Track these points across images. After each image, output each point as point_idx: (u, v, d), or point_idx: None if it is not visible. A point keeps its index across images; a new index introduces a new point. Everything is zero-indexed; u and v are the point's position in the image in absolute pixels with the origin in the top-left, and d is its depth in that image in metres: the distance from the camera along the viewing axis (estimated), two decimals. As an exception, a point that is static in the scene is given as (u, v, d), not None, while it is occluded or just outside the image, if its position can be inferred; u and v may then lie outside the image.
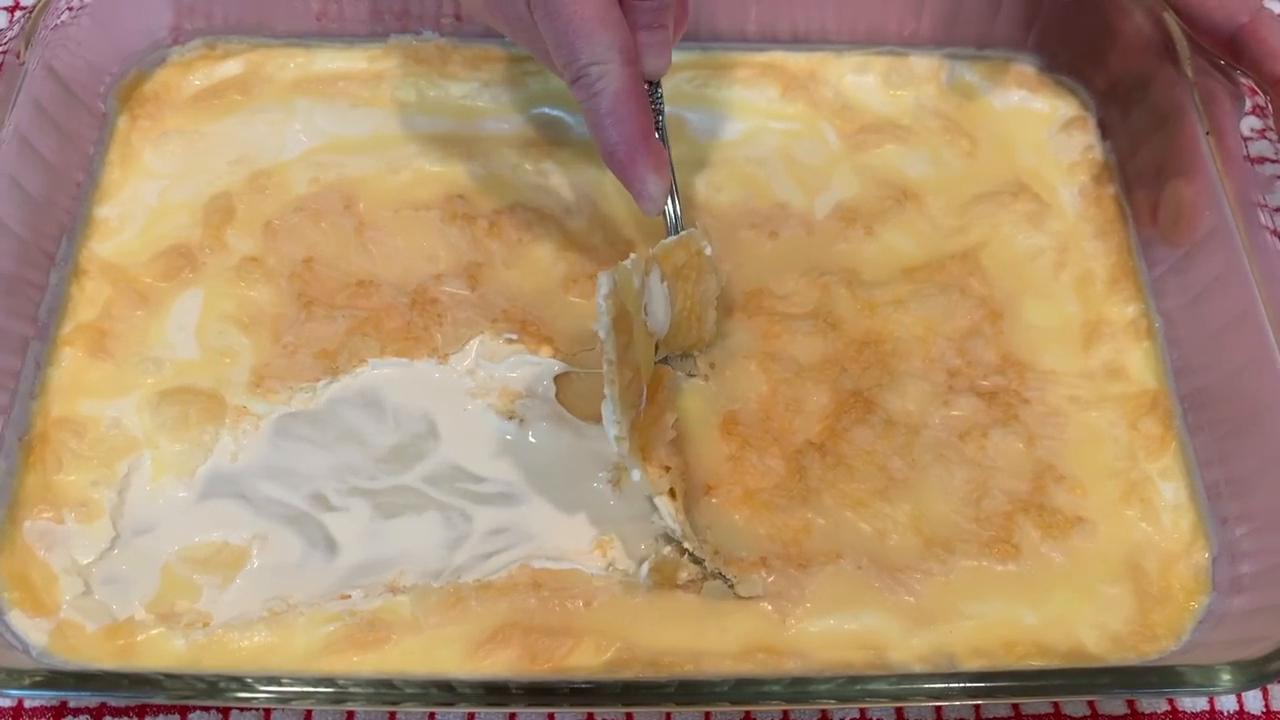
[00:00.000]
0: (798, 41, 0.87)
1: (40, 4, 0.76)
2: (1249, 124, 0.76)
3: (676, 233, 0.72)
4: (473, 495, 0.69)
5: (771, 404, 0.72)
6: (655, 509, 0.68)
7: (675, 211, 0.73)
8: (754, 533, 0.68)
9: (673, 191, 0.72)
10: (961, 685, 0.59)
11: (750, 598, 0.65)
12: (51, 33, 0.76)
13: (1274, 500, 0.65)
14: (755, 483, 0.69)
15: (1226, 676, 0.58)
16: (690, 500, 0.68)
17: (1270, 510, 0.66)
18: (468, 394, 0.73)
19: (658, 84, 0.73)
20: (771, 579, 0.66)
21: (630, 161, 0.67)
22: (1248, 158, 0.74)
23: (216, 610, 0.65)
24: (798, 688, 0.59)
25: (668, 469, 0.67)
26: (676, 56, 0.84)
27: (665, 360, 0.73)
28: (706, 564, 0.66)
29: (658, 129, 0.72)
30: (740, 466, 0.70)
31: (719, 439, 0.71)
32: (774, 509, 0.68)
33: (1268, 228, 0.71)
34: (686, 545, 0.67)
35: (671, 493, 0.67)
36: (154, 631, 0.64)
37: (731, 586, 0.66)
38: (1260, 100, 0.75)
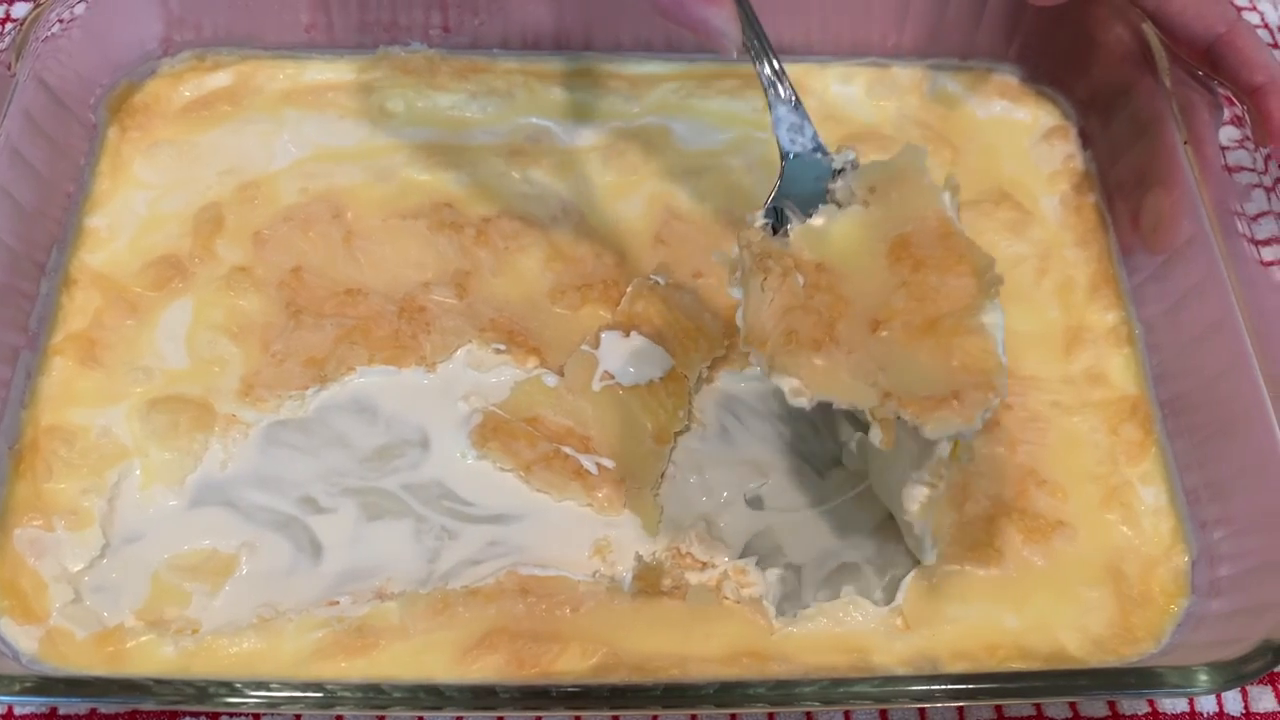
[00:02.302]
0: (783, 52, 0.85)
1: (31, 16, 0.77)
2: (1227, 133, 0.77)
3: (774, 78, 0.68)
4: (460, 515, 0.70)
5: (949, 225, 0.63)
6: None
7: (763, 47, 0.68)
8: (944, 365, 0.59)
9: (751, 22, 0.67)
10: (944, 688, 0.59)
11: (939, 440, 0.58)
12: (42, 44, 0.76)
13: (1252, 504, 0.66)
14: (937, 309, 0.61)
15: (1204, 677, 0.59)
16: (854, 341, 0.61)
17: (1248, 514, 0.66)
18: (463, 417, 0.72)
19: None
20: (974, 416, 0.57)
21: (679, 5, 0.62)
22: (1226, 167, 0.74)
23: (206, 617, 0.66)
24: (783, 690, 0.59)
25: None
26: (663, 68, 0.86)
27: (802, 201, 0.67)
28: (871, 414, 0.58)
29: None
30: (918, 292, 0.61)
31: (886, 268, 0.63)
32: (966, 331, 0.59)
33: (1245, 236, 0.71)
34: (840, 406, 0.59)
35: (792, 337, 0.60)
36: (143, 638, 0.64)
37: (916, 430, 0.58)
38: (1238, 110, 0.76)
